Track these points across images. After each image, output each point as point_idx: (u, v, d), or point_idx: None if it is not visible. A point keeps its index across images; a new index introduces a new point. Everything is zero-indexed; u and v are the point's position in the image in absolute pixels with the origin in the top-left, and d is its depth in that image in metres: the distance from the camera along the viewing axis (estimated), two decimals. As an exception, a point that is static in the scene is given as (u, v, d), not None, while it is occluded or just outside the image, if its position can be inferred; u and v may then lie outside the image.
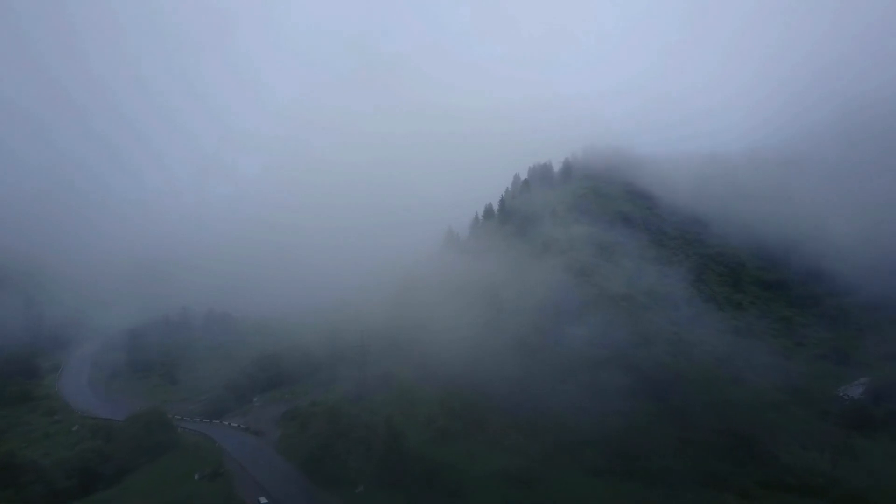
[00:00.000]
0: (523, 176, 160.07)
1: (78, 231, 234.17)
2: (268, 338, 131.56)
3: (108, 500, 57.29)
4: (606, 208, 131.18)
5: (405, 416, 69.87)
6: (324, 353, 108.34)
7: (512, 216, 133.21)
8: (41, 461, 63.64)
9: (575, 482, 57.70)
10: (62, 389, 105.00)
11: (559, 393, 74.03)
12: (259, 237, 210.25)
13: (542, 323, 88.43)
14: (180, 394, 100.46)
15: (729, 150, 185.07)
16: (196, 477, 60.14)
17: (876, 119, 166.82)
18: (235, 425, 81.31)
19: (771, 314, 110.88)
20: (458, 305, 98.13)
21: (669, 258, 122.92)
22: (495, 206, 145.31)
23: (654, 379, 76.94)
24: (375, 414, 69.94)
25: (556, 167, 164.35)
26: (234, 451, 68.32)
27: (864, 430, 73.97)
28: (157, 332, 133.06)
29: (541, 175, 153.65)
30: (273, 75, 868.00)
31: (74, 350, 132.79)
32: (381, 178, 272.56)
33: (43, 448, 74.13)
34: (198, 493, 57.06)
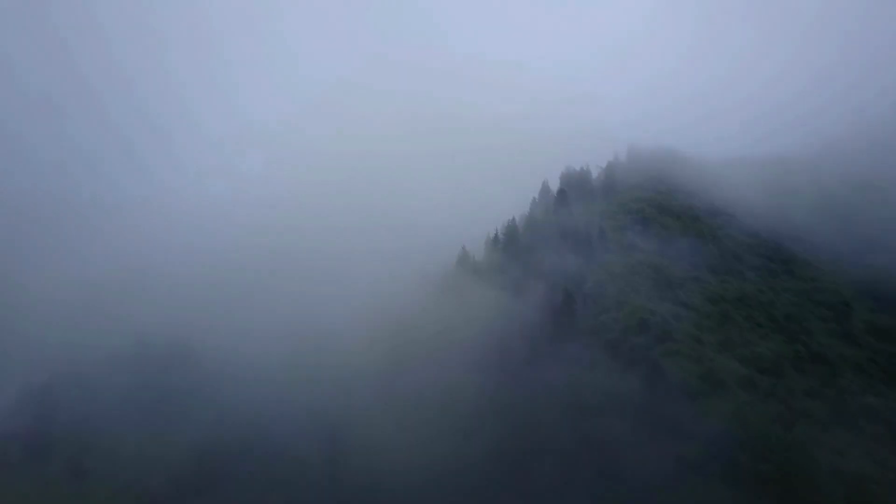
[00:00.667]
0: (553, 184, 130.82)
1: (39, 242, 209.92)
2: (232, 391, 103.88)
3: None
4: (669, 228, 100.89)
5: None
6: (293, 436, 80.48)
7: (541, 235, 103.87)
8: None
9: None
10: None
11: None
12: (239, 261, 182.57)
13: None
14: (83, 495, 72.58)
15: (808, 151, 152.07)
16: None
17: None
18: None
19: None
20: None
21: (756, 297, 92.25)
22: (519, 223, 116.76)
23: None
24: None
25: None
26: None
27: None
28: (90, 380, 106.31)
29: (577, 183, 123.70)
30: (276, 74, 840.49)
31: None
32: (383, 190, 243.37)
33: None
34: None
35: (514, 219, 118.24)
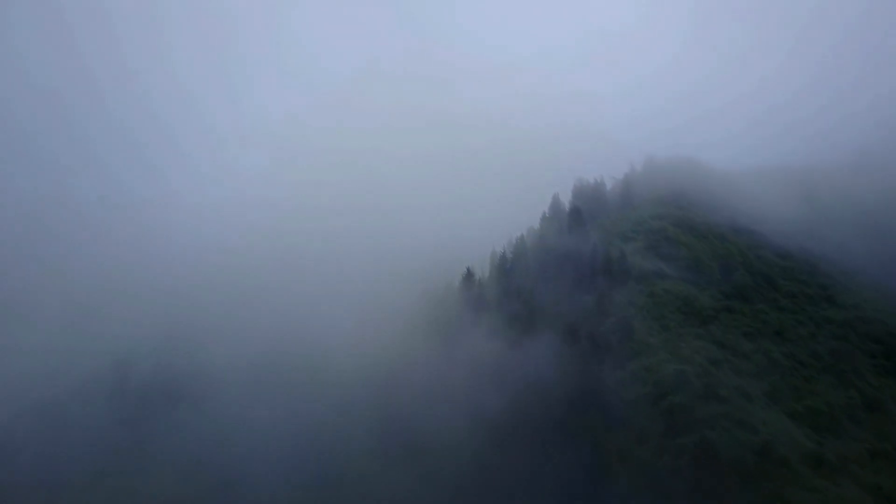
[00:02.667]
0: (563, 196, 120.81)
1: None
2: (217, 426, 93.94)
3: None
4: (694, 250, 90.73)
5: None
6: (280, 483, 70.85)
7: (553, 259, 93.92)
8: None
9: None
10: None
11: None
12: (238, 267, 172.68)
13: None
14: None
15: (837, 159, 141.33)
16: None
17: None
18: None
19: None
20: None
21: (795, 330, 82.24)
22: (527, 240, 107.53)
23: None
24: None
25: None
26: None
27: None
28: (60, 415, 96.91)
29: (592, 196, 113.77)
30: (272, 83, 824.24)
31: None
32: (387, 191, 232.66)
33: None
34: None
35: (522, 237, 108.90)
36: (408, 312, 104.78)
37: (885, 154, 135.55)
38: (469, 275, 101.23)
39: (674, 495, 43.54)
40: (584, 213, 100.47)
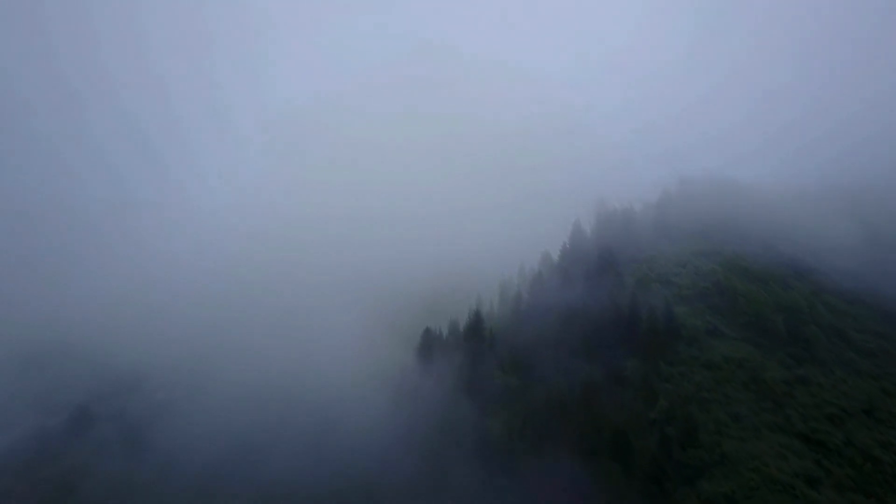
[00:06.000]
0: (585, 221, 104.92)
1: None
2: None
3: None
4: (754, 302, 74.41)
5: None
6: None
7: (579, 311, 77.76)
8: None
9: None
10: None
11: None
12: (221, 293, 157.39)
13: None
14: None
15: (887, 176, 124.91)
16: None
17: None
18: None
19: None
20: None
21: (885, 405, 66.13)
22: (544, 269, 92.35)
23: None
24: None
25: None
26: None
27: None
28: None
29: (621, 225, 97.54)
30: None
31: None
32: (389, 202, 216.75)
33: None
34: None
35: (539, 273, 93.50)
36: (406, 356, 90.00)
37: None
38: (477, 318, 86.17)
39: None
40: (614, 250, 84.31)
